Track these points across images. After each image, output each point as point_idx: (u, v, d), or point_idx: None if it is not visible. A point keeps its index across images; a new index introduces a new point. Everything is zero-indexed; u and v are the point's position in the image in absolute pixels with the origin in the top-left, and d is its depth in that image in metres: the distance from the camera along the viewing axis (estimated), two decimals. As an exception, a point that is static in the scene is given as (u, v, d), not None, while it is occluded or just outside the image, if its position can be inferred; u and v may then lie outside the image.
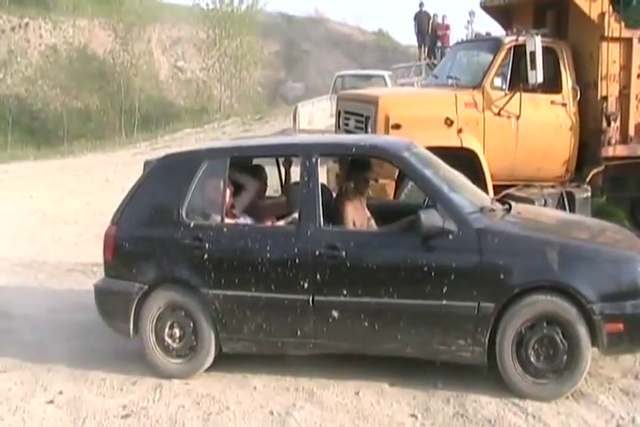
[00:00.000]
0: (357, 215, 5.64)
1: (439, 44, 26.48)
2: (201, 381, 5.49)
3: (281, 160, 6.53)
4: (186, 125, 26.32)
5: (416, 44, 28.18)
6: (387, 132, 8.03)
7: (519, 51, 8.38)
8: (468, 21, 25.86)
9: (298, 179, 5.51)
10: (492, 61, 8.54)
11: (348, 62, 34.40)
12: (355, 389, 5.24)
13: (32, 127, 27.86)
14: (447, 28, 26.27)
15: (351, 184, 5.76)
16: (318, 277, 5.09)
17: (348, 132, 9.04)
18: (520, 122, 8.41)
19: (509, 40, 8.54)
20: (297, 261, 5.13)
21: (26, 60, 31.72)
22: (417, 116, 8.15)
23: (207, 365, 5.49)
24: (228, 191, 5.57)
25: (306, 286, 5.11)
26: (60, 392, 5.42)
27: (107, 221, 11.47)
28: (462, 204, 5.12)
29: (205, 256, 5.34)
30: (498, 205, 5.57)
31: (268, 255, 5.20)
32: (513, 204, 5.77)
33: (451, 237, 4.91)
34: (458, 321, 4.91)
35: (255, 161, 6.39)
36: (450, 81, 9.04)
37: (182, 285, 5.45)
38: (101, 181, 15.87)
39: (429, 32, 25.98)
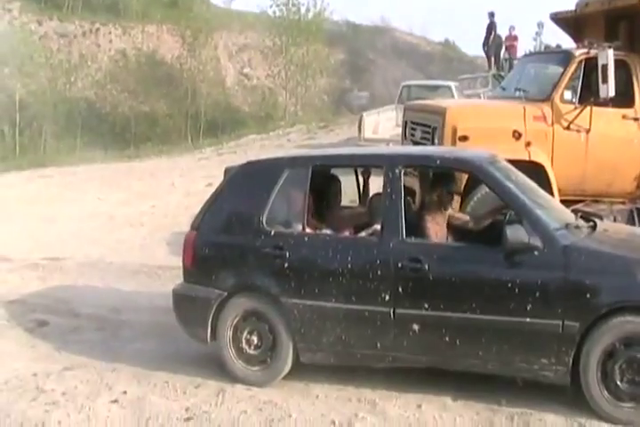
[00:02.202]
0: (439, 229, 5.58)
1: (506, 55, 26.20)
2: (263, 387, 5.49)
3: (359, 170, 6.51)
4: (251, 132, 26.41)
5: (483, 54, 27.92)
6: (453, 143, 7.94)
7: (590, 64, 8.18)
8: (537, 33, 25.53)
9: (378, 190, 5.49)
10: (562, 74, 8.36)
11: (414, 72, 34.31)
12: (417, 402, 5.18)
13: (100, 130, 28.20)
14: (515, 39, 25.92)
15: (434, 197, 5.71)
16: (400, 289, 5.05)
17: (415, 142, 8.94)
18: (590, 136, 8.21)
19: (580, 53, 8.37)
20: (379, 272, 5.09)
21: (96, 65, 32.29)
22: (484, 128, 8.02)
23: (284, 373, 5.49)
24: (309, 200, 5.57)
25: (387, 298, 5.07)
26: (124, 392, 5.49)
27: (171, 224, 11.82)
28: (548, 220, 5.02)
29: (286, 265, 5.34)
30: (583, 222, 5.46)
31: (350, 266, 5.17)
32: (598, 221, 5.66)
33: (536, 253, 4.81)
34: (541, 339, 4.80)
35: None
36: (518, 93, 8.86)
37: (261, 293, 5.46)
38: (167, 185, 16.09)
39: (492, 42, 25.66)
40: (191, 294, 5.74)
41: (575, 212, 6.05)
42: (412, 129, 9.19)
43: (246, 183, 5.71)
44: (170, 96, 31.92)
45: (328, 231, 5.66)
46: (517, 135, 8.06)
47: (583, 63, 8.30)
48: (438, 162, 5.37)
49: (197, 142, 27.31)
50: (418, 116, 9.19)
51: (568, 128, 8.20)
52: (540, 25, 25.54)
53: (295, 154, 6.59)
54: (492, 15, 25.88)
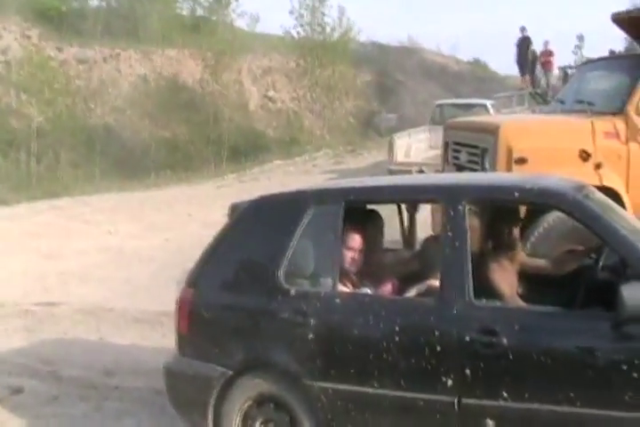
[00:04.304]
0: (511, 283, 4.23)
1: (541, 71, 25.11)
2: None
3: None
4: (275, 157, 25.54)
5: (514, 73, 26.89)
6: (509, 167, 6.76)
7: None
8: (577, 46, 24.41)
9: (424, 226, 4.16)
10: (636, 82, 7.12)
11: (443, 92, 33.17)
12: None
13: (120, 158, 27.34)
14: (550, 54, 24.87)
15: (503, 239, 4.37)
16: (468, 371, 3.67)
17: (459, 167, 7.79)
18: None
19: None
20: (438, 348, 3.72)
21: (116, 91, 31.53)
22: (546, 148, 6.82)
23: (308, 480, 4.12)
24: (344, 247, 4.25)
25: (450, 383, 3.70)
26: None
27: (184, 259, 10.53)
28: (674, 273, 3.61)
29: (310, 336, 3.98)
30: None
31: (397, 339, 3.80)
32: None
33: (663, 322, 3.42)
34: (673, 446, 3.41)
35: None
36: (581, 106, 7.64)
37: (278, 372, 4.11)
38: (183, 215, 15.05)
39: (528, 59, 24.63)
40: (187, 372, 4.39)
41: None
42: (456, 151, 8.03)
43: (258, 225, 4.37)
44: (191, 121, 31.03)
45: (367, 290, 4.30)
46: (585, 156, 6.85)
47: None
48: (516, 195, 3.95)
49: (220, 169, 26.41)
50: (463, 135, 8.00)
51: None
52: (580, 38, 24.37)
53: (322, 186, 5.15)
54: (523, 30, 24.86)
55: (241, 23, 34.96)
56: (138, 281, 9.96)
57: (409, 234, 5.12)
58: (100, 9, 35.36)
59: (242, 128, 31.74)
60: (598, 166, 6.84)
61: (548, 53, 24.78)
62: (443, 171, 8.58)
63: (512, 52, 25.13)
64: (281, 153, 26.56)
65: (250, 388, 4.20)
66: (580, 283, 4.32)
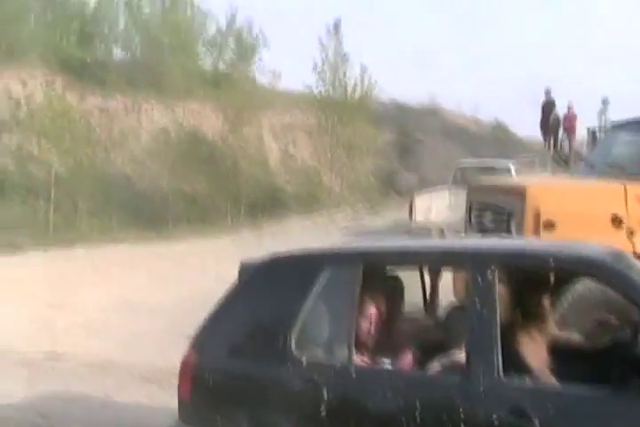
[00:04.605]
0: (542, 358, 3.90)
1: (564, 135, 25.00)
2: None
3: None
4: (293, 213, 25.43)
5: (536, 134, 26.88)
6: (536, 231, 6.53)
7: None
8: (601, 110, 24.28)
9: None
10: None
11: (463, 154, 33.05)
12: None
13: (137, 209, 27.21)
14: (574, 118, 24.75)
15: (531, 310, 4.06)
16: None
17: (483, 229, 7.50)
18: None
19: None
20: None
21: (136, 141, 31.60)
22: (575, 212, 6.61)
23: None
24: (361, 314, 3.95)
25: None
26: None
27: (196, 314, 10.46)
28: None
29: (322, 408, 3.67)
30: None
31: (418, 417, 3.47)
32: None
33: None
34: None
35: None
36: (611, 170, 7.43)
37: (288, 447, 3.79)
38: (197, 269, 14.74)
39: (551, 122, 24.58)
40: (188, 441, 4.09)
41: None
42: (480, 212, 7.79)
43: (269, 286, 4.09)
44: (210, 174, 30.90)
45: (385, 360, 3.98)
46: (618, 221, 6.62)
47: None
48: (552, 262, 3.66)
49: (237, 223, 26.30)
50: (488, 197, 7.79)
51: None
52: (605, 101, 24.28)
53: (339, 247, 4.84)
54: (548, 93, 24.87)
55: (262, 79, 35.15)
56: (147, 335, 9.71)
57: (431, 300, 4.82)
58: (123, 60, 35.75)
59: (260, 183, 31.63)
60: (631, 232, 6.61)
61: (571, 117, 24.70)
62: (465, 232, 8.33)
63: (535, 112, 25.16)
64: (299, 209, 26.45)
65: (255, 463, 3.88)
66: (616, 358, 3.98)
